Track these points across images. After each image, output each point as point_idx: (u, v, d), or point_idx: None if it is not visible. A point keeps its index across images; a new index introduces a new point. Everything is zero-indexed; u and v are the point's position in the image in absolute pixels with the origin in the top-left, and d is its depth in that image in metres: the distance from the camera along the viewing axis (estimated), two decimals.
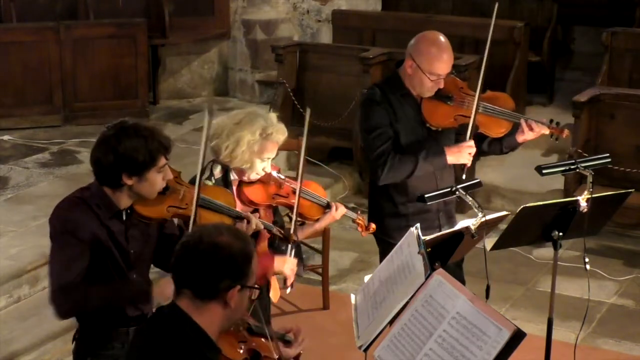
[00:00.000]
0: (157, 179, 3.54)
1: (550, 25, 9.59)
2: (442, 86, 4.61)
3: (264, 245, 4.26)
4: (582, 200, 4.27)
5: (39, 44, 8.87)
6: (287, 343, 3.40)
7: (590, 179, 4.36)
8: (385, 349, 3.32)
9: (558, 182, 7.19)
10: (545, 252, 6.71)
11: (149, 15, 9.68)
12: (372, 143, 4.63)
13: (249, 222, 3.97)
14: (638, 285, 6.51)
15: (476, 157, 5.03)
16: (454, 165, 4.80)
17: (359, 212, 4.68)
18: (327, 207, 4.42)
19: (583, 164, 4.51)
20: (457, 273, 4.74)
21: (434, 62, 4.52)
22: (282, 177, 4.32)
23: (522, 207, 4.19)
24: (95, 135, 3.71)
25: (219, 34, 10.10)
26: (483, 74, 4.65)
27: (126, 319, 3.64)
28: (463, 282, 4.83)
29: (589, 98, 7.16)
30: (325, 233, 6.06)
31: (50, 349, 5.49)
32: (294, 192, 4.26)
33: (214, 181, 4.21)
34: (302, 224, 4.50)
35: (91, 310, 3.58)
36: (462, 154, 4.63)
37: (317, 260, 6.57)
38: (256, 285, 2.91)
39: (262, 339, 3.32)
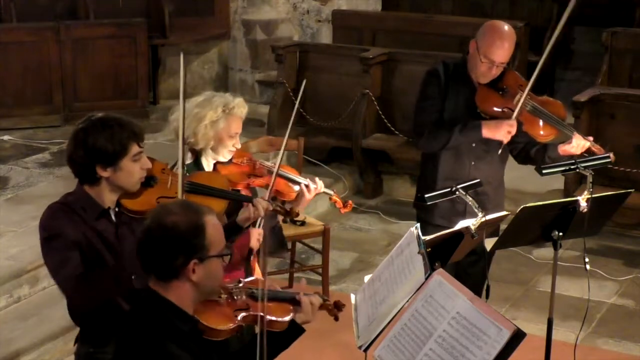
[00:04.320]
0: (133, 168, 3.52)
1: (550, 25, 9.59)
2: (495, 73, 4.73)
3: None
4: (582, 200, 4.27)
5: (39, 44, 8.88)
6: (297, 304, 3.29)
7: (590, 179, 4.36)
8: (385, 349, 3.32)
9: (558, 182, 7.20)
10: (545, 252, 6.71)
11: (149, 15, 9.69)
12: (418, 112, 4.88)
13: (254, 205, 4.01)
14: (638, 285, 6.50)
15: (519, 162, 5.10)
16: (475, 161, 4.85)
17: (335, 190, 4.73)
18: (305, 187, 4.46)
19: (583, 164, 4.52)
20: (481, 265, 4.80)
21: (490, 47, 4.66)
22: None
23: (522, 207, 4.18)
24: None
25: (219, 34, 10.10)
26: (537, 73, 4.77)
27: None
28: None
29: (589, 98, 7.15)
30: (325, 233, 6.06)
31: (50, 349, 5.48)
32: (269, 172, 4.34)
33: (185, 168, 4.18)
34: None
35: (103, 297, 3.47)
36: (500, 128, 4.71)
37: (317, 260, 6.56)
38: (226, 252, 2.98)
39: (269, 304, 3.19)
